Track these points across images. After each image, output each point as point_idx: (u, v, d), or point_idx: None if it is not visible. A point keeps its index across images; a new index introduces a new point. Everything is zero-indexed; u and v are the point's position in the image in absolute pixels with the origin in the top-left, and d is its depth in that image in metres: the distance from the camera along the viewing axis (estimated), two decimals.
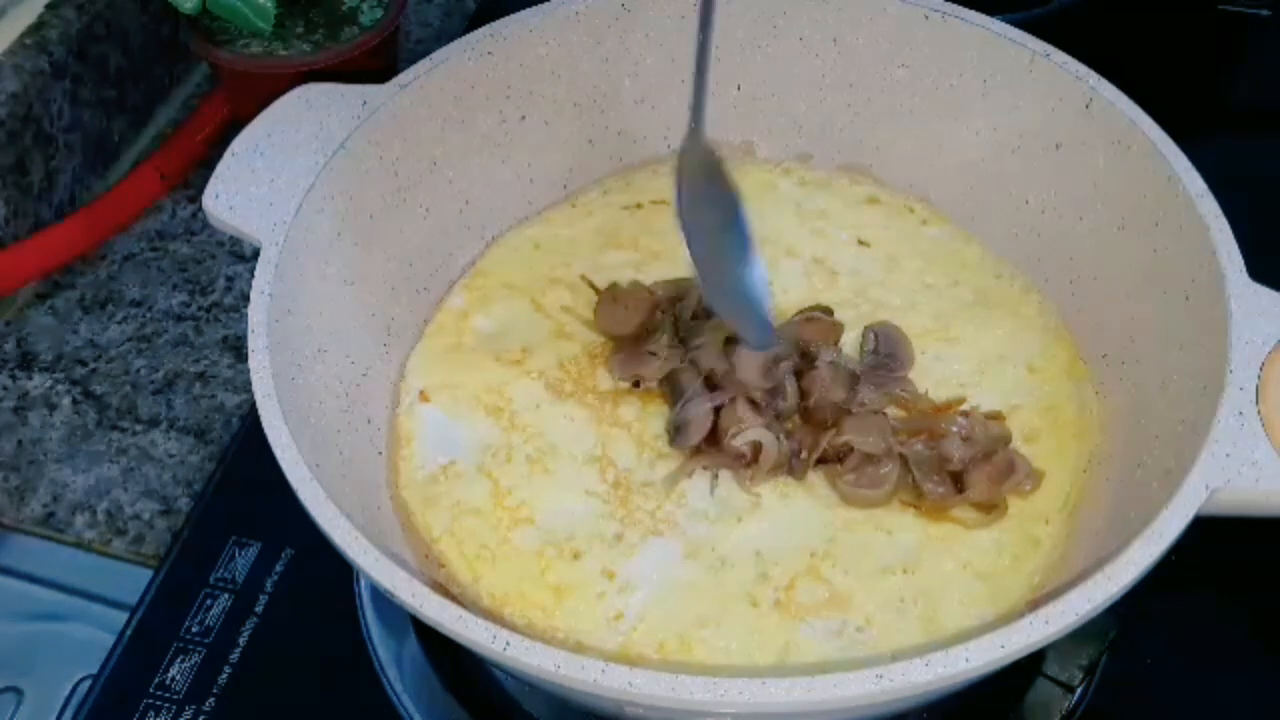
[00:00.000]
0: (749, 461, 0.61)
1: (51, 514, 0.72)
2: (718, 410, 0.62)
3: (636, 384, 0.65)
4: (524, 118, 0.71)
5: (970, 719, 0.61)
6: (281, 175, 0.61)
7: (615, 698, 0.45)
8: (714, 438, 0.61)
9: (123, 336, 0.80)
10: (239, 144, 0.63)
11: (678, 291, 0.68)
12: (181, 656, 0.64)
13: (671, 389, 0.64)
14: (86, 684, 0.65)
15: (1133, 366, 0.61)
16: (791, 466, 0.61)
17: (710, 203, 0.58)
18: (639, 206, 0.74)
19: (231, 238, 0.80)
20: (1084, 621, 0.46)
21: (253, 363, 0.55)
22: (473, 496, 0.62)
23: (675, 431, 0.62)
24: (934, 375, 0.65)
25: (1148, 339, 0.61)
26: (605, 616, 0.57)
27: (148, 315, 0.82)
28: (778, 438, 0.60)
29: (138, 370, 0.79)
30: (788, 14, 0.72)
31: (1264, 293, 0.55)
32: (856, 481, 0.60)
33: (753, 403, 0.61)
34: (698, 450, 0.61)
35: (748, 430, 0.60)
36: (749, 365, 0.62)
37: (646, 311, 0.66)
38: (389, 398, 0.66)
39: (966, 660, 0.45)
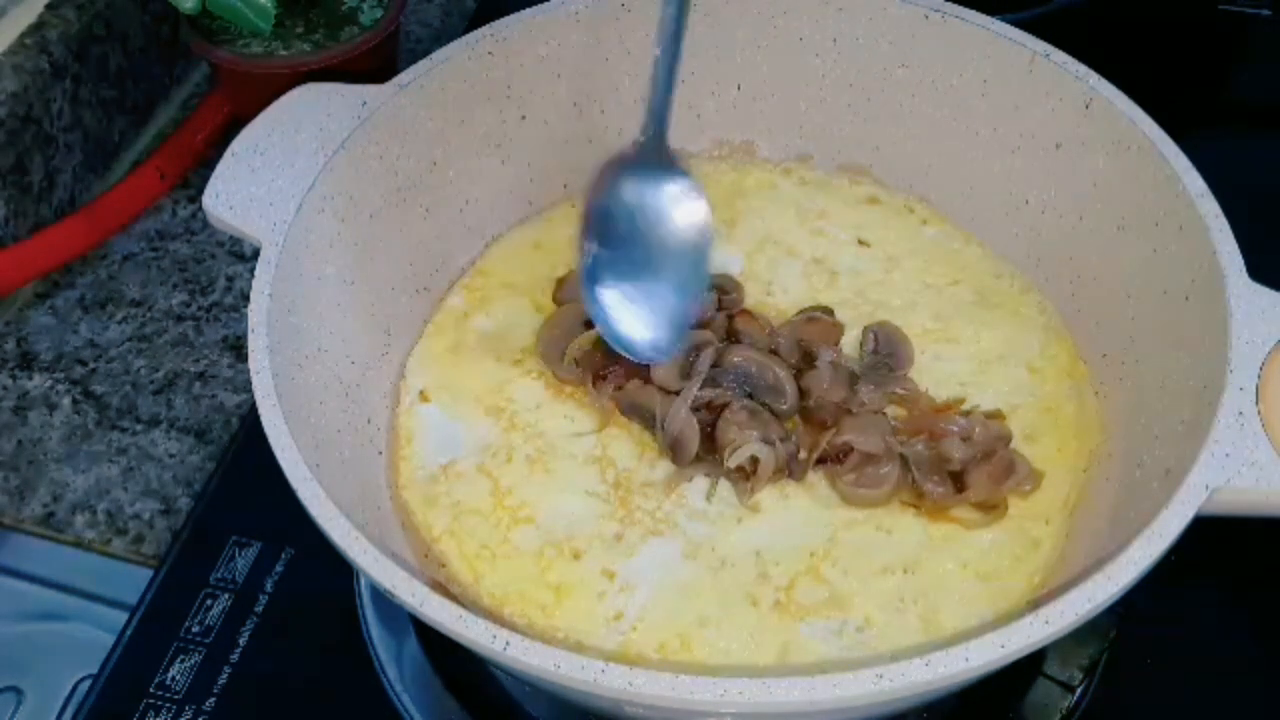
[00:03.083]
0: (748, 474, 0.60)
1: (51, 514, 0.72)
2: (705, 408, 0.61)
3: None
4: (524, 117, 0.71)
5: (970, 719, 0.61)
6: (281, 175, 0.61)
7: (615, 698, 0.45)
8: (710, 442, 0.61)
9: (123, 336, 0.80)
10: (239, 144, 0.63)
11: None
12: (181, 656, 0.64)
13: (637, 414, 0.63)
14: (86, 684, 0.65)
15: (1133, 366, 0.61)
16: (791, 467, 0.61)
17: (664, 207, 0.58)
18: None
19: (231, 238, 0.80)
20: (1084, 621, 0.46)
21: (253, 363, 0.55)
22: (473, 496, 0.62)
23: (671, 451, 0.61)
24: (934, 375, 0.65)
25: (1148, 339, 0.61)
26: (605, 616, 0.57)
27: (148, 315, 0.82)
28: (774, 443, 0.60)
29: (138, 370, 0.79)
30: (788, 14, 0.71)
31: (1264, 293, 0.55)
32: (856, 481, 0.60)
33: (749, 410, 0.61)
34: (697, 458, 0.61)
35: (743, 447, 0.60)
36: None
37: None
38: (389, 398, 0.66)
39: (966, 660, 0.45)
